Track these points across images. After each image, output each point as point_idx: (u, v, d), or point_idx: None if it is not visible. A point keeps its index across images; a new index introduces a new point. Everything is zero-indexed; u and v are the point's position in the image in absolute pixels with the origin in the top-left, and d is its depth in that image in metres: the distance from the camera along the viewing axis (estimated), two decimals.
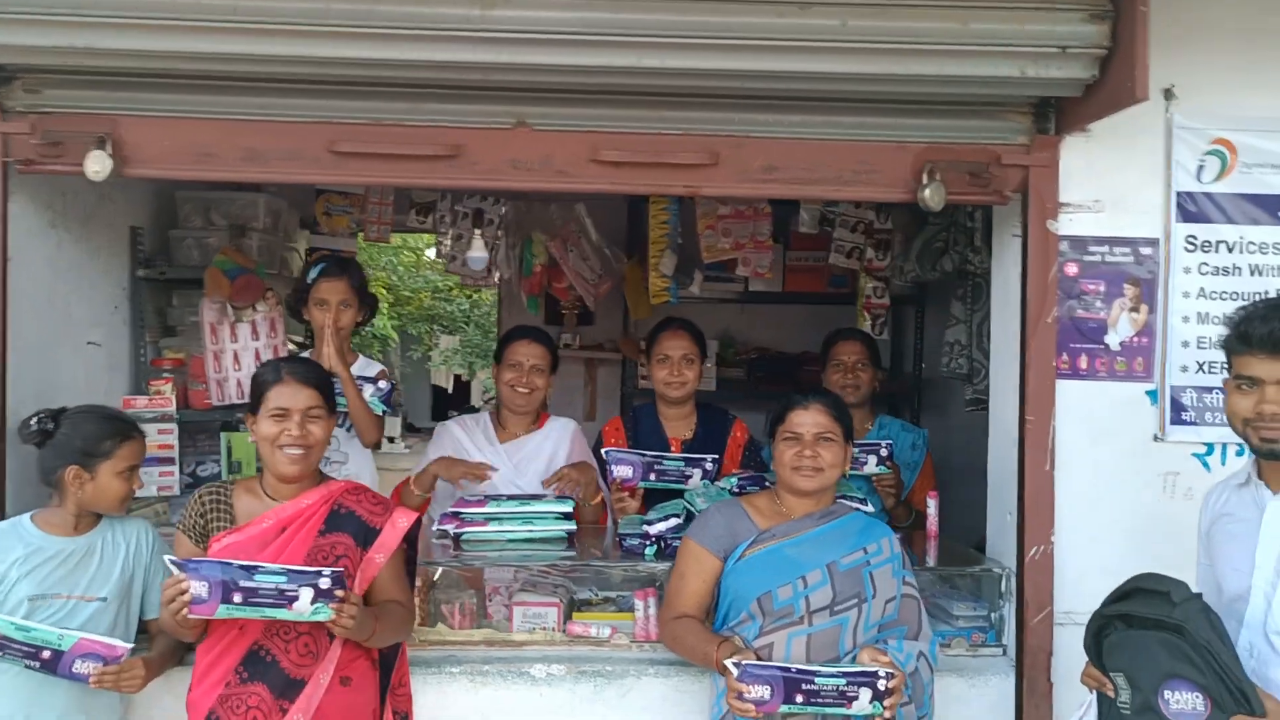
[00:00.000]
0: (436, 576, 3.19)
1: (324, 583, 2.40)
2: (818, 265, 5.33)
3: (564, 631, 3.11)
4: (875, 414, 3.91)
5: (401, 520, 2.76)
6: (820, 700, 2.51)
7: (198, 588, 2.37)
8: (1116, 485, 3.01)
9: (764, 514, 2.85)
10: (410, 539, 2.87)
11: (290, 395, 2.62)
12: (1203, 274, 3.04)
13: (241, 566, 2.40)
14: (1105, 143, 3.00)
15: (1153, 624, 2.34)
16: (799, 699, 2.50)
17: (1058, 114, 2.98)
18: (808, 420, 2.80)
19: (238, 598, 2.38)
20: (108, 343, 3.68)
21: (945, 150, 2.96)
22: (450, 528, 3.27)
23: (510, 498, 3.31)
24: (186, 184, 4.01)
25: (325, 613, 2.42)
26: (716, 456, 3.53)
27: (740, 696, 2.50)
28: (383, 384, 3.45)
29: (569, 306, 6.13)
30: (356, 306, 3.49)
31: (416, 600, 3.10)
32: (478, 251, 4.29)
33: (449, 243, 4.68)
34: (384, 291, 16.00)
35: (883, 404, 4.57)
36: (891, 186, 2.96)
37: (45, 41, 2.66)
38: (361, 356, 3.62)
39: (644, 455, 3.44)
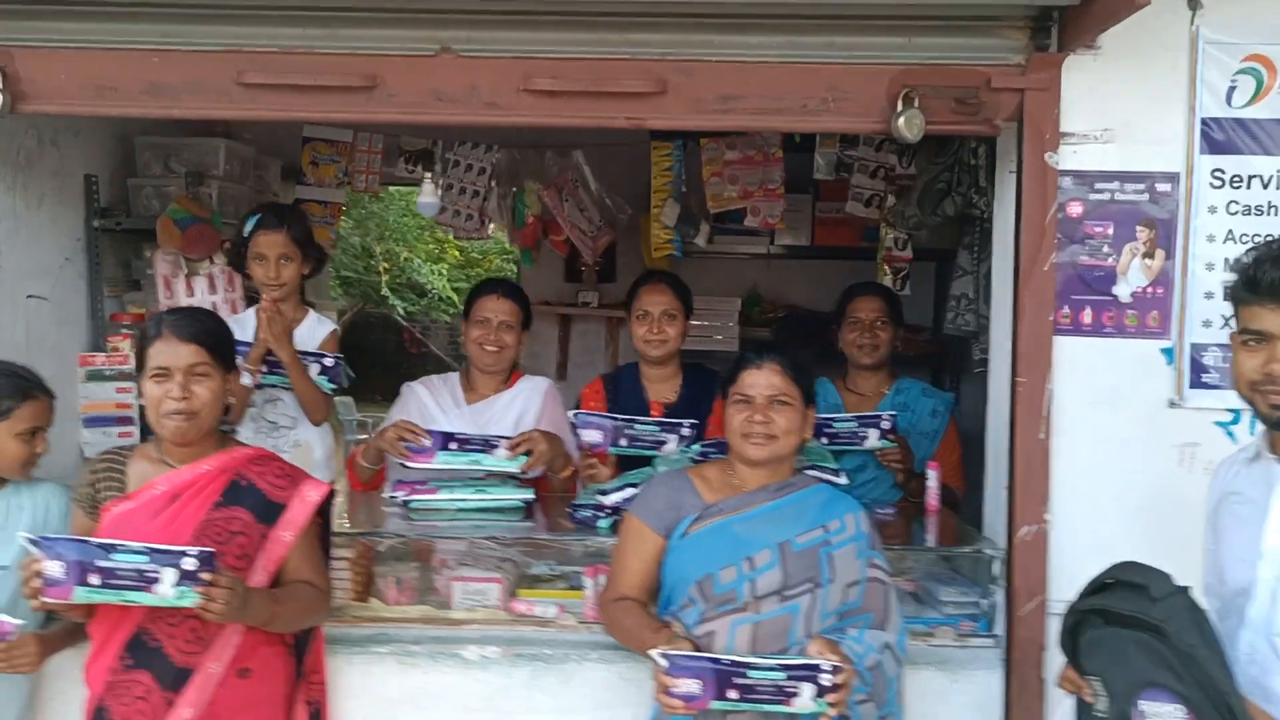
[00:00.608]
0: (382, 548, 2.96)
1: (188, 564, 2.15)
2: (848, 217, 4.97)
3: (507, 610, 2.85)
4: (895, 376, 3.58)
5: (311, 493, 2.50)
6: (756, 696, 2.21)
7: (51, 568, 2.15)
8: (1125, 457, 2.63)
9: (713, 486, 2.55)
10: (324, 513, 2.63)
11: (170, 353, 2.35)
12: (1231, 214, 2.63)
13: (99, 545, 2.16)
14: (1117, 62, 2.60)
15: (1131, 622, 1.99)
16: (732, 694, 2.20)
17: (1060, 28, 2.58)
18: (760, 381, 2.48)
19: (95, 579, 2.15)
20: (58, 296, 3.51)
21: (926, 73, 2.59)
22: (401, 494, 3.05)
23: (460, 446, 3.01)
24: (146, 129, 3.82)
25: (191, 597, 2.16)
26: (695, 421, 3.22)
27: (668, 691, 2.22)
28: (328, 361, 3.21)
29: (589, 263, 5.85)
30: (300, 259, 3.24)
31: (351, 574, 2.88)
32: (427, 197, 4.01)
33: (439, 193, 4.42)
34: (457, 254, 15.94)
35: (910, 366, 4.23)
36: (864, 116, 2.60)
37: None
38: (312, 312, 3.38)
39: (614, 419, 3.15)
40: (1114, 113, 2.62)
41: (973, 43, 2.58)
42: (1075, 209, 2.63)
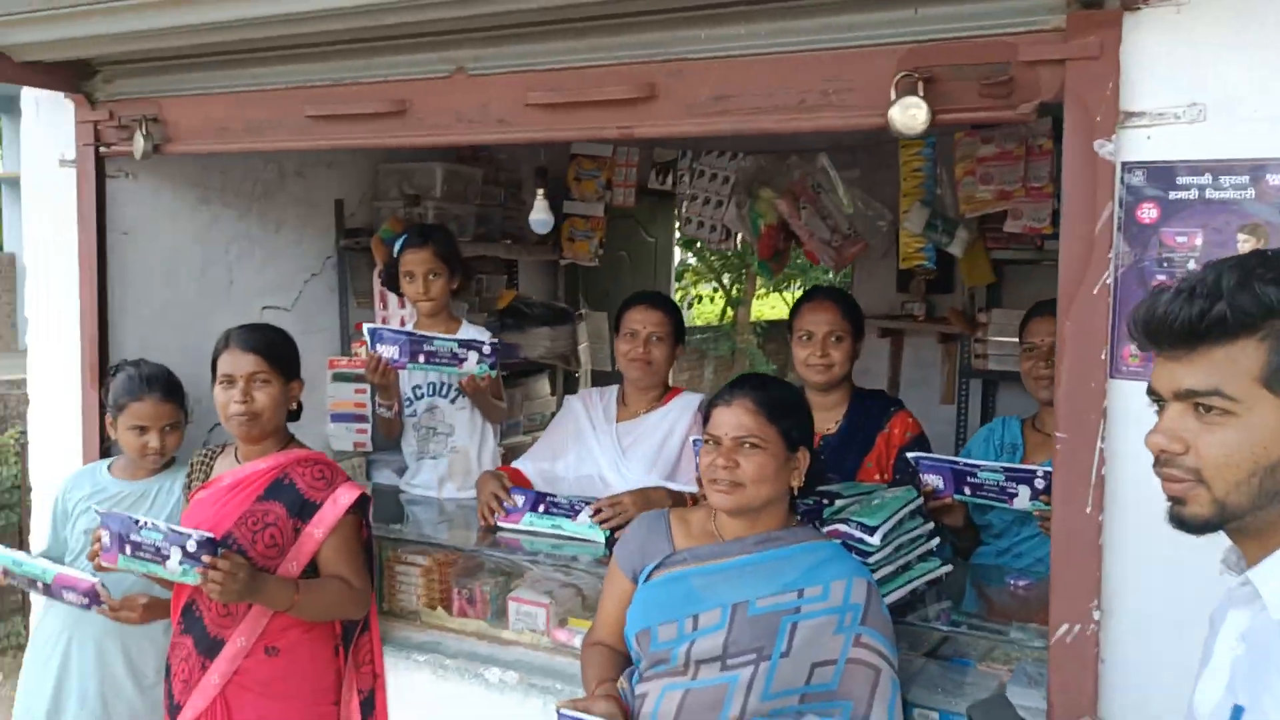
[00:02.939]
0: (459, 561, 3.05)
1: (190, 545, 2.43)
2: None
3: (549, 636, 2.80)
4: None
5: (343, 497, 2.70)
6: None
7: (105, 536, 2.54)
8: (1211, 540, 1.92)
9: (690, 532, 2.32)
10: (364, 517, 2.79)
11: (233, 361, 2.68)
12: None
13: (134, 520, 2.51)
14: (1210, 16, 1.91)
15: None
16: None
17: None
18: (727, 421, 2.21)
19: (129, 549, 2.50)
20: (301, 307, 4.02)
21: (939, 49, 2.09)
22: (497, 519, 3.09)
23: (546, 509, 3.01)
24: (387, 157, 4.23)
25: (192, 576, 2.44)
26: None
27: None
28: (485, 349, 3.27)
29: (923, 272, 5.41)
30: (447, 274, 3.41)
31: (424, 581, 3.01)
32: (539, 214, 3.92)
33: (686, 203, 4.36)
34: None
35: None
36: (869, 108, 2.15)
37: (101, 29, 2.91)
38: (465, 323, 3.54)
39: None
40: (1206, 83, 1.92)
41: (994, 5, 2.04)
42: (1148, 213, 1.97)
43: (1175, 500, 1.34)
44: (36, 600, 3.24)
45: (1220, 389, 1.28)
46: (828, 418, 3.11)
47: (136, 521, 2.50)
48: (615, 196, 4.57)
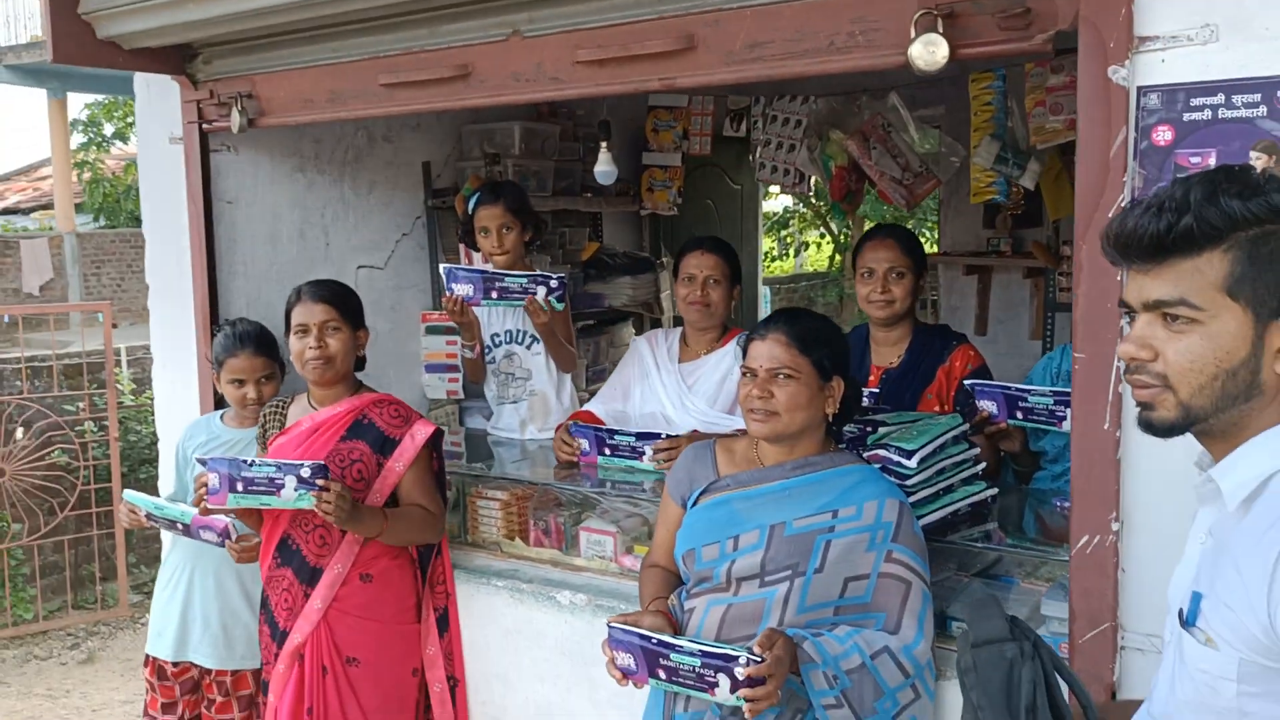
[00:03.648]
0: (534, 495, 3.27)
1: (304, 472, 2.69)
2: None
3: (616, 563, 3.00)
4: None
5: (420, 433, 2.94)
6: (682, 680, 2.17)
7: (212, 479, 2.81)
8: None
9: (734, 459, 2.48)
10: (436, 451, 3.02)
11: (307, 312, 2.92)
12: None
13: (241, 460, 2.77)
14: None
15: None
16: (662, 675, 2.19)
17: None
18: (762, 353, 2.35)
19: (240, 487, 2.77)
20: (395, 265, 4.27)
21: None
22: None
23: (613, 452, 3.21)
24: (470, 118, 4.43)
25: (308, 500, 2.70)
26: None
27: (613, 663, 2.25)
28: (554, 283, 3.45)
29: (1010, 206, 5.40)
30: (520, 228, 3.60)
31: (503, 515, 3.23)
32: (603, 165, 4.02)
33: (760, 148, 4.44)
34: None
35: None
36: (893, 47, 2.25)
37: (199, 15, 3.16)
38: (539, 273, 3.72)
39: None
40: (1217, 4, 1.95)
41: None
42: (1163, 135, 2.02)
43: (1144, 405, 1.43)
44: (165, 538, 3.58)
45: (1186, 298, 1.36)
46: (890, 352, 3.21)
47: (244, 461, 2.76)
48: (692, 145, 4.69)
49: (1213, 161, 1.99)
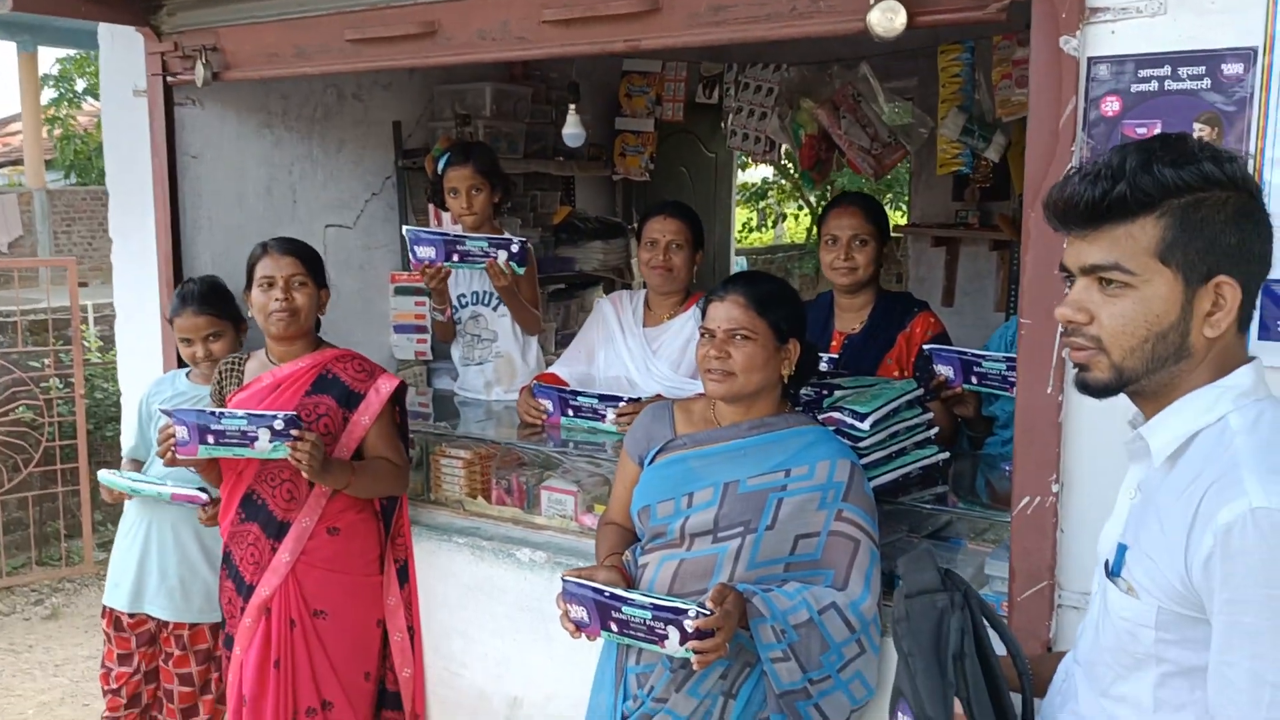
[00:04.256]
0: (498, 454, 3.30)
1: (278, 424, 2.71)
2: None
3: (577, 521, 3.03)
4: None
5: (384, 385, 2.97)
6: (632, 632, 2.21)
7: (180, 431, 2.81)
8: None
9: (691, 419, 2.51)
10: (401, 404, 3.05)
11: (273, 265, 2.92)
12: None
13: (210, 412, 2.78)
14: None
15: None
16: (614, 628, 2.23)
17: None
18: (719, 315, 2.38)
19: (211, 439, 2.78)
20: (364, 224, 4.27)
21: None
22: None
23: (576, 414, 3.23)
24: (442, 78, 4.41)
25: (282, 450, 2.72)
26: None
27: (567, 616, 2.29)
28: (514, 246, 3.43)
29: (979, 179, 5.44)
30: (489, 190, 3.61)
31: (465, 474, 3.26)
32: (571, 128, 4.04)
33: (731, 116, 4.45)
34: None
35: None
36: (851, 13, 2.26)
37: None
38: (508, 235, 3.73)
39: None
40: None
41: None
42: (1110, 105, 2.06)
43: (1080, 366, 1.47)
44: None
45: (1120, 263, 1.40)
46: (853, 318, 3.24)
47: (214, 413, 2.77)
48: (665, 111, 4.69)
49: (1157, 132, 2.03)
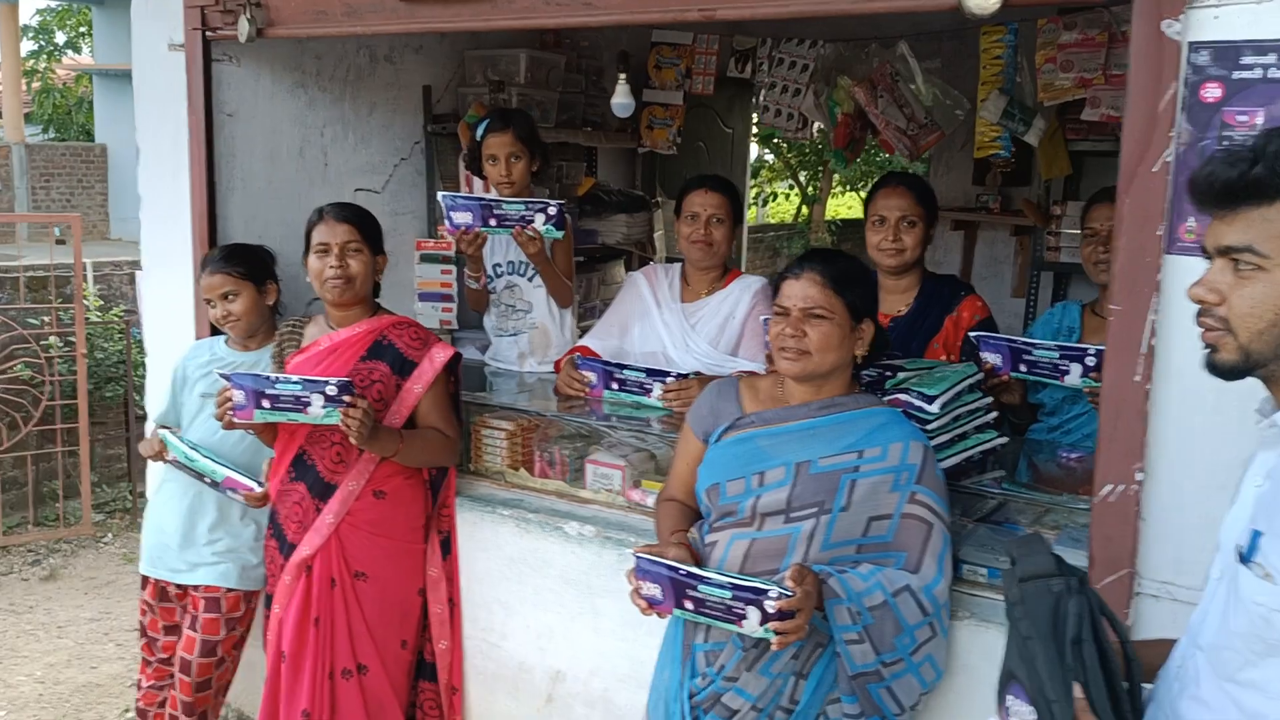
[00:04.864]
0: (540, 426, 3.26)
1: (330, 390, 2.68)
2: None
3: (624, 496, 3.01)
4: None
5: (439, 355, 2.94)
6: (708, 611, 2.19)
7: (237, 395, 2.78)
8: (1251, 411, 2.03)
9: (759, 397, 2.48)
10: (454, 374, 3.01)
11: (329, 231, 2.88)
12: None
13: (266, 377, 2.75)
14: None
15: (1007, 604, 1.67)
16: (688, 605, 2.21)
17: None
18: (795, 293, 2.35)
19: (266, 403, 2.75)
20: (392, 190, 4.20)
21: None
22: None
23: (622, 387, 3.17)
24: (473, 44, 4.34)
25: (334, 416, 2.70)
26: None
27: (638, 593, 2.27)
28: (552, 210, 3.33)
29: (1000, 164, 5.43)
30: (528, 157, 3.55)
31: (508, 444, 3.22)
32: (621, 98, 3.99)
33: (764, 91, 4.41)
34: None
35: None
36: None
37: None
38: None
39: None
40: None
41: None
42: (1211, 92, 2.04)
43: (1209, 347, 1.46)
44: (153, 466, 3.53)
45: (1253, 245, 1.39)
46: (898, 300, 3.22)
47: (269, 378, 2.73)
48: (695, 84, 4.64)
49: (1260, 121, 2.01)
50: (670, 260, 5.17)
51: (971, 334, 2.97)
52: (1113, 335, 2.15)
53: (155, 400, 3.72)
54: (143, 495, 7.26)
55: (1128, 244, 2.11)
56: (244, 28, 3.19)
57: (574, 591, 2.93)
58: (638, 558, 2.24)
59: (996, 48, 4.03)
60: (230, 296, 3.19)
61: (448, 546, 3.10)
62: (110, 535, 6.58)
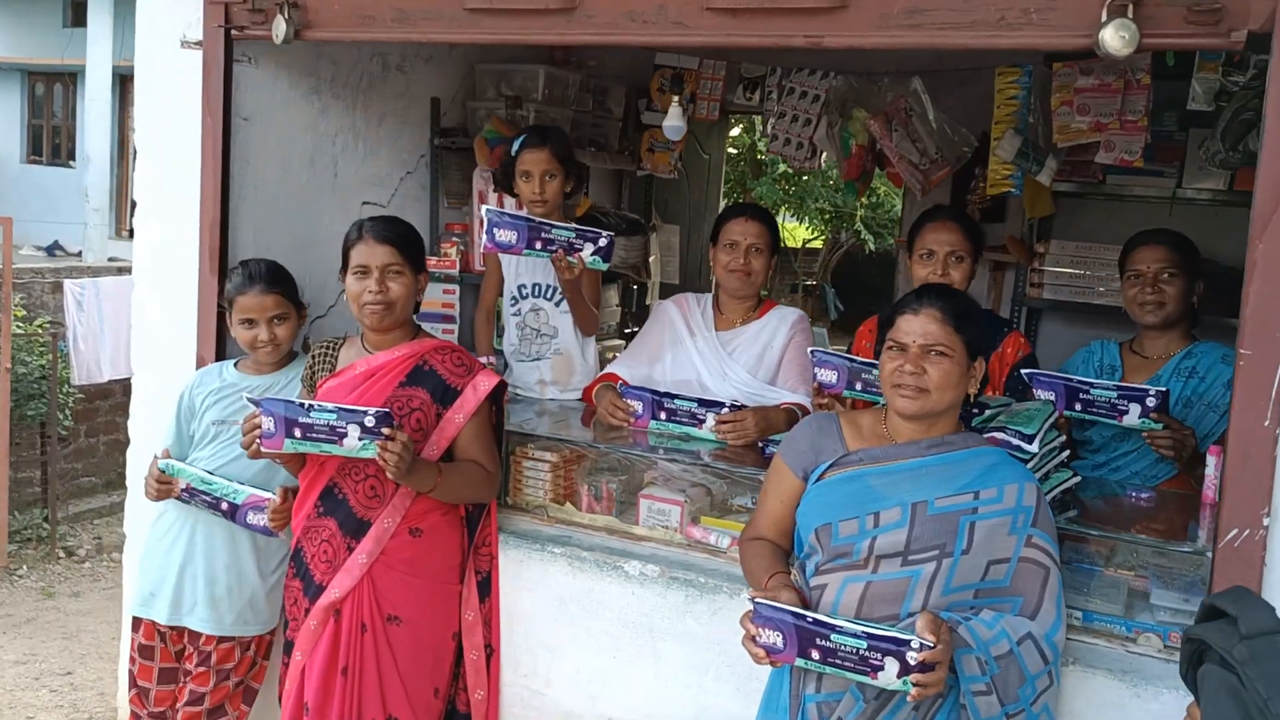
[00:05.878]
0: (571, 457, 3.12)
1: (369, 421, 2.50)
2: None
3: (683, 534, 2.89)
4: (1192, 338, 3.08)
5: (483, 384, 2.77)
6: (838, 661, 2.08)
7: (266, 422, 2.57)
8: None
9: (862, 434, 2.40)
10: (498, 405, 2.86)
11: (368, 253, 2.70)
12: None
13: (300, 404, 2.55)
14: None
15: (1221, 660, 1.62)
16: (814, 655, 2.10)
17: None
18: (915, 329, 2.28)
19: (298, 433, 2.55)
20: (397, 204, 4.02)
21: None
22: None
23: (669, 417, 3.06)
24: (484, 56, 4.20)
25: (371, 449, 2.51)
26: None
27: (754, 640, 2.15)
28: (602, 242, 3.25)
29: (979, 201, 5.48)
30: (562, 176, 3.43)
31: (551, 477, 3.07)
32: (673, 120, 3.95)
33: (773, 120, 4.38)
34: None
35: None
36: (1072, 29, 2.21)
37: None
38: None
39: (852, 360, 2.98)
40: None
41: None
42: None
43: None
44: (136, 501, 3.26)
45: None
46: None
47: (303, 405, 2.54)
48: (699, 110, 4.58)
49: None
50: (666, 285, 5.10)
51: (1024, 371, 2.96)
52: (1241, 379, 2.14)
53: (139, 428, 3.46)
54: (61, 523, 6.85)
55: (1259, 290, 2.11)
56: (280, 28, 2.99)
57: (632, 634, 2.80)
58: (757, 604, 2.14)
59: (1011, 88, 4.05)
60: (278, 320, 2.98)
61: (486, 587, 2.92)
62: (25, 568, 6.18)
